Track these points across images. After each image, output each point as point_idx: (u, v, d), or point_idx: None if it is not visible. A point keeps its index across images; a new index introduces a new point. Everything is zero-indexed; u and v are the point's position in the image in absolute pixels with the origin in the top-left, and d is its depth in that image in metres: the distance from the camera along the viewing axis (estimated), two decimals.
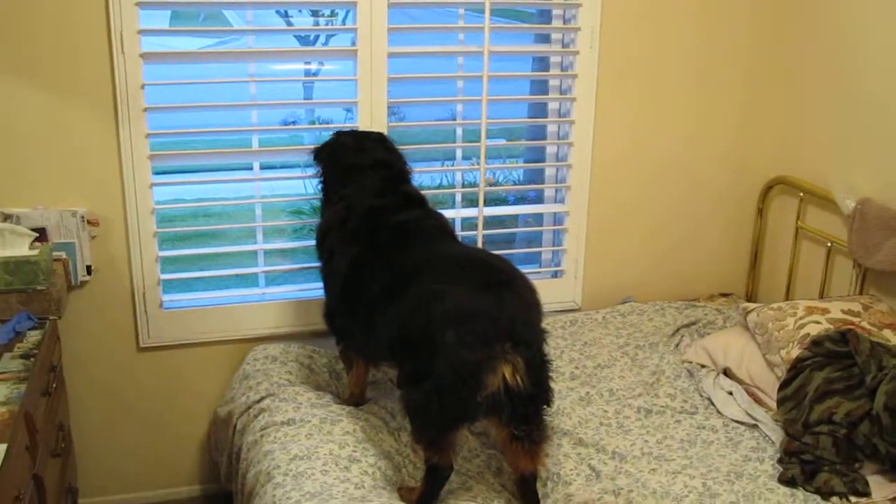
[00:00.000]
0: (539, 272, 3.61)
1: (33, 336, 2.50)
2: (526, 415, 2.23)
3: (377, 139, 2.86)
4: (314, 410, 2.71)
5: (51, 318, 2.62)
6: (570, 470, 2.55)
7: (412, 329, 2.28)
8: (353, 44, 3.09)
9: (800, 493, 2.41)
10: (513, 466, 2.37)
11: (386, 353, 2.48)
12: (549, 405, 2.31)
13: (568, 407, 2.84)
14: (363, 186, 2.71)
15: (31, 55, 2.79)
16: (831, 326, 2.74)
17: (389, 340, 2.39)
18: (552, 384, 2.34)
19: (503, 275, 2.33)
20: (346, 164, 2.80)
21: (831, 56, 3.24)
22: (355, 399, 2.85)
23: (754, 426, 2.74)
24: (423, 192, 2.81)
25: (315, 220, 2.96)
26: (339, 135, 2.91)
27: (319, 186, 2.88)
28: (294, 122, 4.35)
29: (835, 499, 2.38)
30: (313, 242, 2.90)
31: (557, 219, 3.56)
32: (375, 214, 2.63)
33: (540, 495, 2.39)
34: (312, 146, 2.95)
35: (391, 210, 2.63)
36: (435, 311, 2.23)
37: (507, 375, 2.13)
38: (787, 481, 2.45)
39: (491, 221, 3.49)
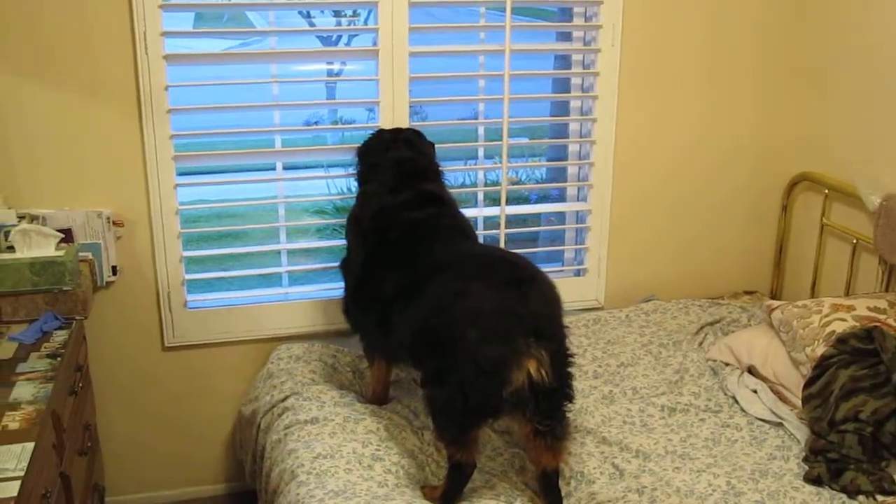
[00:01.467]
0: (562, 271, 3.60)
1: (60, 336, 2.53)
2: (549, 410, 2.23)
3: (405, 138, 2.88)
4: (337, 409, 2.72)
5: (77, 318, 2.65)
6: (594, 468, 2.54)
7: (434, 328, 2.29)
8: (375, 44, 3.10)
9: (825, 492, 2.39)
10: (535, 462, 2.37)
11: (405, 353, 2.49)
12: (571, 401, 2.31)
13: (591, 405, 2.84)
14: (379, 184, 2.73)
15: (56, 58, 2.82)
16: (857, 324, 2.72)
17: (409, 341, 2.39)
18: (575, 382, 2.34)
19: (523, 271, 2.33)
20: (369, 162, 2.84)
21: (855, 50, 3.22)
22: (378, 397, 2.86)
23: (779, 424, 2.72)
24: (449, 190, 2.83)
25: (338, 220, 2.98)
26: (375, 134, 2.94)
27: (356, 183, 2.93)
28: (317, 123, 4.38)
29: (861, 497, 2.36)
30: (336, 242, 2.93)
31: (580, 217, 3.55)
32: (386, 212, 2.65)
33: (563, 494, 2.39)
34: (349, 146, 2.99)
35: (403, 208, 2.64)
36: (457, 310, 2.24)
37: (532, 370, 2.14)
38: (813, 480, 2.43)
39: (513, 220, 3.49)
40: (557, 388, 2.22)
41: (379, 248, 2.63)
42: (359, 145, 2.94)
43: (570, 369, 2.30)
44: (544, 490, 2.36)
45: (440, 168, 2.87)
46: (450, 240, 2.58)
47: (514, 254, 2.55)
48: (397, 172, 2.74)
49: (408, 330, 2.39)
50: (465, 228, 2.70)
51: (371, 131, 2.98)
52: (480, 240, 3.05)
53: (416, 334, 2.36)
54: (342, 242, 2.93)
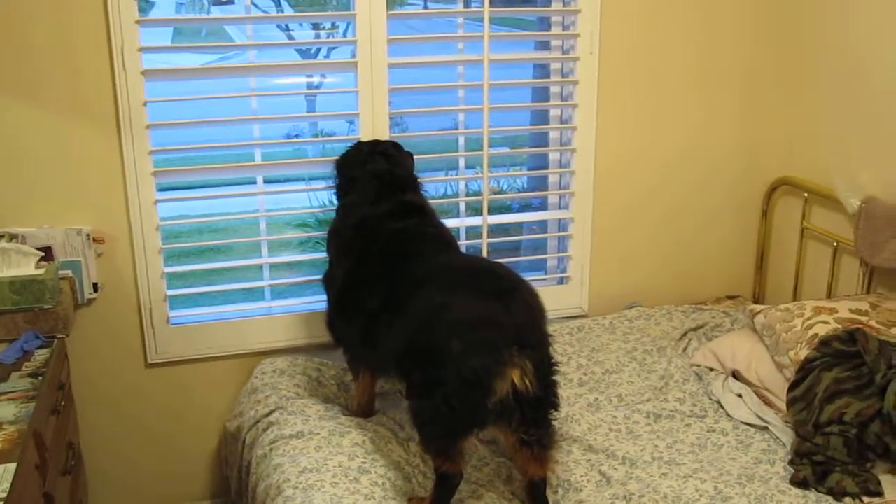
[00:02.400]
0: (545, 279, 3.61)
1: (41, 355, 2.51)
2: (535, 419, 2.23)
3: (383, 151, 2.87)
4: (323, 423, 2.71)
5: (58, 336, 2.63)
6: (581, 476, 2.54)
7: (419, 341, 2.28)
8: (354, 56, 3.09)
9: (812, 495, 2.40)
10: (522, 472, 2.37)
11: (390, 365, 2.49)
12: (556, 409, 2.31)
13: (577, 413, 2.84)
14: (359, 197, 2.74)
15: (34, 75, 2.80)
16: (839, 326, 2.73)
17: (394, 353, 2.39)
18: (560, 390, 2.34)
19: (506, 282, 2.33)
20: (348, 175, 2.84)
21: (833, 55, 3.24)
22: (363, 410, 2.85)
23: (764, 428, 2.73)
24: (429, 201, 2.83)
25: (320, 233, 2.98)
26: (353, 146, 2.94)
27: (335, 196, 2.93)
28: (297, 136, 4.37)
29: (847, 499, 2.37)
30: (318, 255, 2.92)
31: (562, 225, 3.56)
32: (367, 224, 2.65)
33: (551, 502, 2.39)
34: (330, 158, 3.00)
35: (384, 219, 2.64)
36: (441, 322, 2.23)
37: (516, 380, 2.13)
38: (799, 483, 2.44)
39: (495, 229, 3.49)
40: (542, 397, 2.22)
41: (361, 259, 2.63)
42: (337, 158, 2.94)
43: (554, 378, 2.30)
44: (532, 499, 2.36)
45: (419, 179, 2.87)
46: (432, 250, 2.58)
47: (497, 263, 2.55)
48: (377, 185, 2.75)
49: (392, 342, 2.39)
50: (446, 238, 2.70)
51: (350, 144, 2.97)
52: (462, 249, 3.05)
53: (400, 346, 2.35)
54: (324, 255, 2.92)
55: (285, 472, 2.47)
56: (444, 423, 2.21)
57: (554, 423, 2.33)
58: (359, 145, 2.94)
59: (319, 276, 2.93)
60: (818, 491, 2.41)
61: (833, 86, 3.25)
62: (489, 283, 2.32)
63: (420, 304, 2.33)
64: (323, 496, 2.33)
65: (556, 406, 2.31)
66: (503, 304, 2.22)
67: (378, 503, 2.33)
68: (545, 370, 2.25)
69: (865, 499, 2.36)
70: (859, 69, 3.13)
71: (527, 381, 2.14)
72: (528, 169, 3.85)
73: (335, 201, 2.92)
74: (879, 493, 2.37)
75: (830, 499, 2.38)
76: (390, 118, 3.19)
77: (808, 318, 2.82)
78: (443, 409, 2.17)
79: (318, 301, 3.24)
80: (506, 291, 2.27)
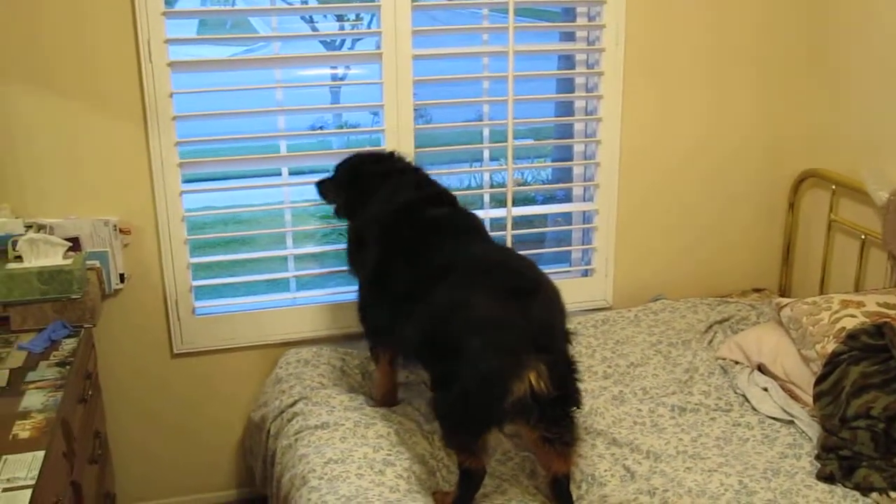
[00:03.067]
0: (569, 271, 3.59)
1: (69, 344, 2.53)
2: (555, 417, 2.22)
3: (402, 156, 2.90)
4: (348, 413, 2.71)
5: (85, 326, 2.65)
6: (605, 471, 2.53)
7: (437, 336, 2.29)
8: (378, 47, 3.09)
9: (839, 490, 2.38)
10: (545, 468, 2.37)
11: (413, 354, 2.49)
12: (578, 407, 2.30)
13: (601, 406, 2.83)
14: (396, 186, 2.73)
15: (61, 68, 2.82)
16: (867, 320, 2.70)
17: (416, 344, 2.39)
18: (581, 385, 2.33)
19: (527, 281, 2.32)
20: (371, 171, 2.82)
21: (862, 45, 3.21)
22: (386, 400, 2.85)
23: (790, 422, 2.71)
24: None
25: (344, 224, 2.98)
26: (353, 157, 2.94)
27: (339, 210, 2.93)
28: (322, 127, 4.38)
29: (874, 494, 2.35)
30: (342, 246, 2.91)
31: (586, 217, 3.54)
32: (408, 210, 2.65)
33: (575, 497, 2.38)
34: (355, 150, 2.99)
35: (423, 205, 2.65)
36: (459, 319, 2.23)
37: (533, 381, 2.13)
38: (826, 478, 2.43)
39: (520, 221, 3.48)
40: (561, 395, 2.21)
41: (399, 243, 2.61)
42: (360, 154, 2.94)
43: (574, 376, 2.29)
44: (556, 494, 2.35)
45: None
46: (468, 238, 2.58)
47: (521, 258, 2.54)
48: (409, 179, 2.76)
49: (414, 334, 2.39)
50: (476, 226, 2.71)
51: (370, 142, 2.98)
52: None
53: (421, 339, 2.36)
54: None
55: (310, 462, 2.48)
56: (463, 420, 2.21)
57: (576, 418, 2.31)
58: (376, 151, 2.96)
59: (343, 268, 2.93)
60: (845, 486, 2.39)
61: (863, 76, 3.22)
62: (510, 282, 2.31)
63: (438, 299, 2.33)
64: (348, 487, 2.34)
65: (577, 403, 2.30)
66: (523, 303, 2.21)
67: (402, 496, 2.33)
68: (562, 370, 2.23)
69: (893, 494, 2.34)
70: (889, 60, 3.09)
71: (543, 383, 2.13)
72: (553, 161, 3.83)
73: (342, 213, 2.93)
74: None
75: (857, 494, 2.36)
76: (415, 109, 3.18)
77: (836, 312, 2.80)
78: (460, 405, 2.18)
79: (343, 292, 3.25)
80: (526, 290, 2.26)
